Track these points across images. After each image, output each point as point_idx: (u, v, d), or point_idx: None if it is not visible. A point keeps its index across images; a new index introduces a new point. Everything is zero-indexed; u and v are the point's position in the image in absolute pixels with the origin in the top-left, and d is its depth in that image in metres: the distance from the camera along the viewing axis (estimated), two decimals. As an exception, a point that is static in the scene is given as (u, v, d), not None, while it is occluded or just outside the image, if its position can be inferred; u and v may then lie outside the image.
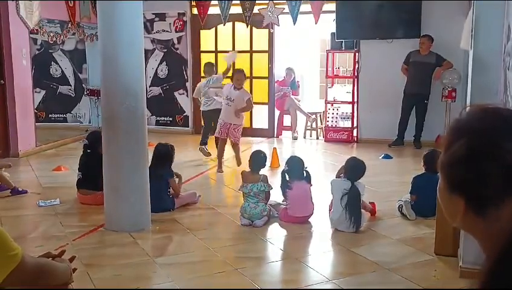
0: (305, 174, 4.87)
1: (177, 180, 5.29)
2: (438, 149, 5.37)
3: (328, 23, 8.85)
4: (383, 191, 5.64)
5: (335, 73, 9.20)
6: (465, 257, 3.57)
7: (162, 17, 9.62)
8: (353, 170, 4.70)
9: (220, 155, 6.86)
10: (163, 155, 5.26)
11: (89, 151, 5.43)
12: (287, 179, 4.87)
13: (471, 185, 0.90)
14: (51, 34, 8.70)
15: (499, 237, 0.87)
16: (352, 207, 4.48)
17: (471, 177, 0.89)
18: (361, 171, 4.72)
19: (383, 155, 7.65)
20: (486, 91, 3.44)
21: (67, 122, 9.75)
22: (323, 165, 7.43)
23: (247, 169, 5.03)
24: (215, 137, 7.12)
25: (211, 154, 7.47)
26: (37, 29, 8.21)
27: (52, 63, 9.55)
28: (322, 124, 9.40)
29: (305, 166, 4.92)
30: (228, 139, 6.85)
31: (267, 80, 9.35)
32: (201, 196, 5.46)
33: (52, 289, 1.68)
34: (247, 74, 9.35)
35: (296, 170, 4.89)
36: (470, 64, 3.63)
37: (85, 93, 9.69)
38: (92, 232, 4.51)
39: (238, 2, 8.92)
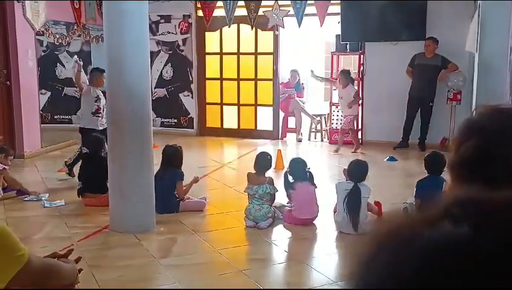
0: (307, 175, 4.87)
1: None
2: (440, 151, 5.38)
3: (333, 25, 8.85)
4: (388, 194, 5.61)
5: (340, 75, 9.17)
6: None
7: (167, 19, 9.64)
8: (355, 171, 4.69)
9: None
10: (171, 157, 5.27)
11: (88, 158, 5.41)
12: (290, 180, 4.87)
13: (480, 184, 0.89)
14: (57, 36, 8.73)
15: None
16: (351, 207, 4.46)
17: (480, 177, 0.89)
18: (364, 171, 4.69)
19: (387, 157, 7.63)
20: (492, 93, 3.44)
21: (72, 123, 9.77)
22: (327, 167, 7.42)
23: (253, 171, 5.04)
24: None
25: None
26: (42, 31, 8.23)
27: (58, 64, 9.57)
28: (326, 126, 9.39)
29: (308, 167, 4.92)
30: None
31: (271, 82, 9.35)
32: (206, 197, 5.46)
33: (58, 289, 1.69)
34: (252, 76, 9.40)
35: (298, 171, 4.89)
36: (475, 67, 3.63)
37: (90, 94, 9.71)
38: (97, 234, 4.52)
39: (243, 4, 8.93)
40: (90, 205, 5.26)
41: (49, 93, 9.47)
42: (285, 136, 9.55)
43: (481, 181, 0.89)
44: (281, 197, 5.08)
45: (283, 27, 9.04)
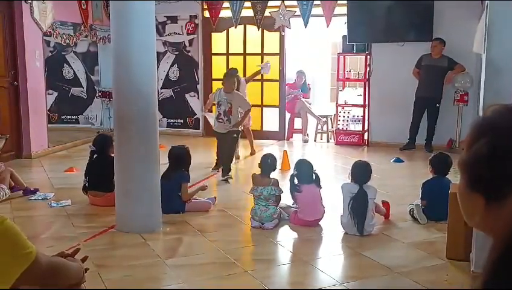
0: (314, 177, 4.86)
1: (194, 188, 5.30)
2: (445, 152, 5.36)
3: (340, 26, 8.84)
4: (394, 195, 5.60)
5: (346, 76, 9.17)
6: (477, 262, 3.54)
7: (173, 19, 9.66)
8: (358, 173, 4.66)
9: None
10: (178, 157, 5.28)
11: (96, 156, 5.44)
12: (296, 182, 4.86)
13: (493, 183, 0.89)
14: (64, 36, 8.77)
15: None
16: (356, 210, 4.45)
17: (493, 176, 0.88)
18: (367, 173, 4.65)
19: (394, 159, 7.61)
20: (500, 95, 3.41)
21: (79, 124, 9.82)
22: (333, 169, 7.41)
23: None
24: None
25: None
26: (50, 32, 8.28)
27: (65, 65, 9.62)
28: (332, 127, 9.38)
29: (314, 169, 4.90)
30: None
31: (278, 83, 9.35)
32: (216, 198, 5.47)
33: (65, 289, 1.69)
34: (258, 76, 9.40)
35: (305, 174, 4.87)
36: (483, 68, 3.61)
37: (97, 95, 9.76)
38: (103, 233, 4.54)
39: (250, 5, 8.94)
40: (96, 205, 5.29)
41: (56, 94, 9.52)
42: (292, 137, 9.55)
43: (495, 178, 0.89)
44: (287, 198, 5.07)
45: (289, 28, 9.04)
